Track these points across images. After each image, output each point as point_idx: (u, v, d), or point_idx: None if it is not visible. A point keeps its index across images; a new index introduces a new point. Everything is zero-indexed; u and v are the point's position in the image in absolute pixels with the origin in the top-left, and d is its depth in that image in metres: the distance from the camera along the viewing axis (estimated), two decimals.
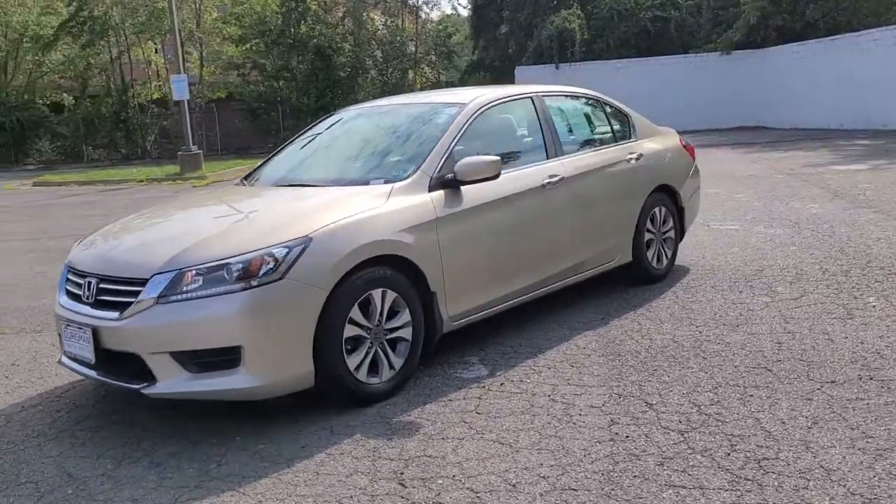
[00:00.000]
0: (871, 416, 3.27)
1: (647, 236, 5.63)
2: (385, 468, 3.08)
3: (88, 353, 3.50)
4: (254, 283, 3.36)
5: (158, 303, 3.37)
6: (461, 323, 4.25)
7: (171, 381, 3.37)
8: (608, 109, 5.71)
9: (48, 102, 30.17)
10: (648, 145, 5.74)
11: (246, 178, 5.07)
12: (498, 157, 4.23)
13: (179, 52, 21.18)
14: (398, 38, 32.43)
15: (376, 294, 3.71)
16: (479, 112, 4.61)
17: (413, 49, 33.17)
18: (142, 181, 18.77)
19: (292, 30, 30.24)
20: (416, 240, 3.90)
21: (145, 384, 3.40)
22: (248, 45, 31.35)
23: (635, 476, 2.90)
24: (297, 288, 3.41)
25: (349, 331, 3.60)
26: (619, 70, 25.88)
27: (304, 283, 3.43)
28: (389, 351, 3.82)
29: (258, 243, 3.47)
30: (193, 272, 3.38)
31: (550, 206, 4.75)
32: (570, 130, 5.38)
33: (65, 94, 30.10)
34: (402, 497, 2.85)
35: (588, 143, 5.44)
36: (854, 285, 5.30)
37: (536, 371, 4.07)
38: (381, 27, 32.74)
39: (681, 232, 6.07)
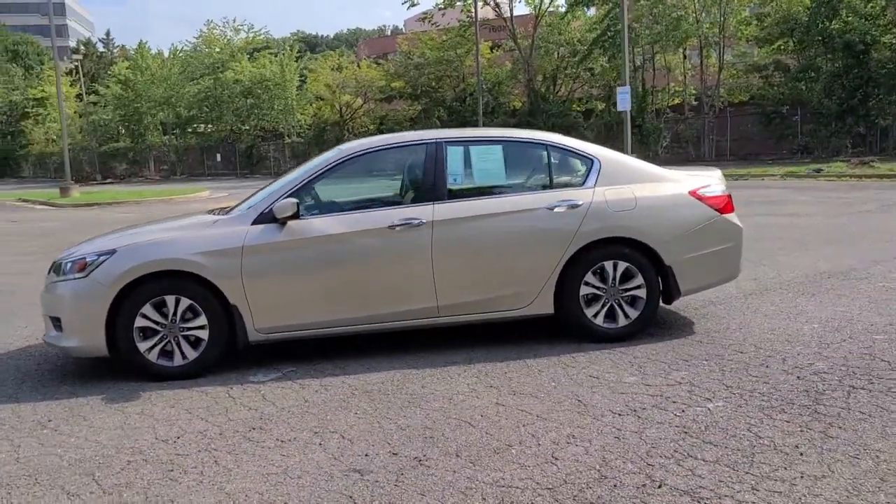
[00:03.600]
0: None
1: (587, 290, 5.11)
2: (35, 418, 4.32)
3: None
4: (77, 276, 4.94)
5: (52, 281, 5.22)
6: (272, 337, 4.98)
7: (51, 335, 5.16)
8: (555, 155, 5.33)
9: (583, 109, 34.23)
10: (604, 193, 5.15)
11: None
12: (295, 200, 4.85)
13: (626, 63, 22.11)
14: None
15: (170, 299, 4.84)
16: (344, 160, 5.16)
17: None
18: None
19: (820, 25, 27.86)
20: (214, 261, 4.84)
21: (45, 334, 5.33)
22: (774, 46, 30.12)
23: (118, 477, 3.61)
24: (94, 285, 4.83)
25: (141, 322, 4.84)
26: None
27: (99, 282, 4.82)
28: (185, 344, 4.91)
29: (88, 251, 5.02)
30: (63, 264, 5.13)
31: (400, 247, 4.97)
32: (470, 177, 5.30)
33: (596, 102, 33.74)
34: None
35: (491, 190, 5.27)
36: (781, 390, 4.05)
37: (292, 394, 4.56)
38: None
39: (667, 292, 5.20)
